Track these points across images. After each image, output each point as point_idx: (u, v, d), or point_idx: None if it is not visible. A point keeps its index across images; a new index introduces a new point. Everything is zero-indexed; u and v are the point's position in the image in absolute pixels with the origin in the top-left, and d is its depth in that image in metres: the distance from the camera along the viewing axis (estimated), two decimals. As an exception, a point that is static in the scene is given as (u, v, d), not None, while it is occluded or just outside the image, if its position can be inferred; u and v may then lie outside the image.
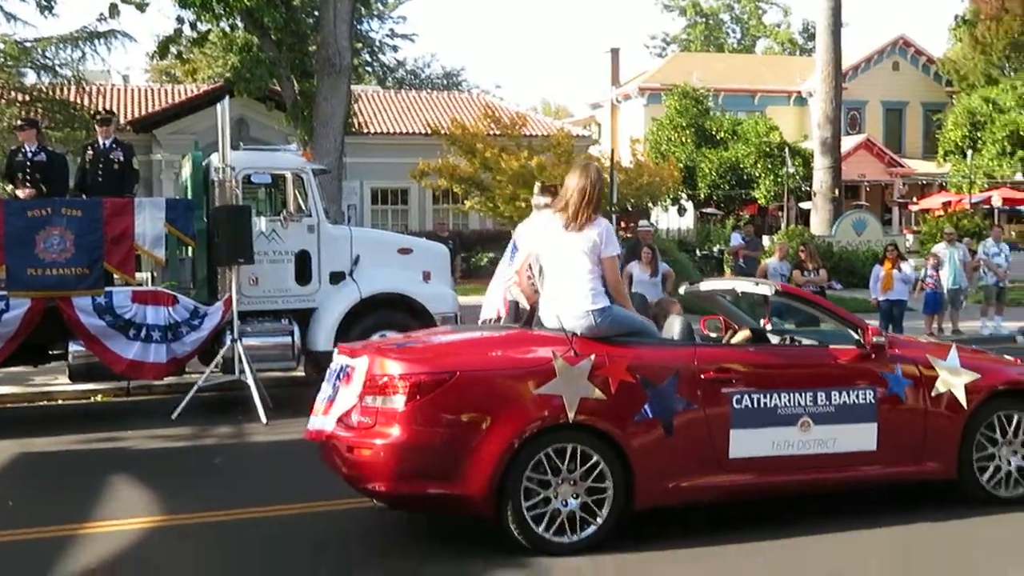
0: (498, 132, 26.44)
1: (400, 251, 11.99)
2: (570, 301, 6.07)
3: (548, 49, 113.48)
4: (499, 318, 8.26)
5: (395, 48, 55.36)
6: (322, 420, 6.20)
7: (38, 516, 6.95)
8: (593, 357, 5.88)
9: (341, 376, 6.16)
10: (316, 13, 22.22)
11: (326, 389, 6.34)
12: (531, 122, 31.14)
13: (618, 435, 5.87)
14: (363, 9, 40.43)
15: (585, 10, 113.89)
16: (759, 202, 38.90)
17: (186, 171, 11.86)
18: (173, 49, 22.62)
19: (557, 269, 6.20)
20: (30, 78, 27.34)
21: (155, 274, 11.30)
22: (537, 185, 8.91)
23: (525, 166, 24.34)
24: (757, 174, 38.16)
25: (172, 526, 6.73)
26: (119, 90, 33.93)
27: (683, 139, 39.82)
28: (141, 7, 20.32)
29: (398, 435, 5.68)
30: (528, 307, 6.96)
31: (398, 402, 5.71)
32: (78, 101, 26.46)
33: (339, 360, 6.34)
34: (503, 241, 32.52)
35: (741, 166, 38.29)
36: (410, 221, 32.94)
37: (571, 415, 5.77)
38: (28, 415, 11.27)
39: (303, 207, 11.27)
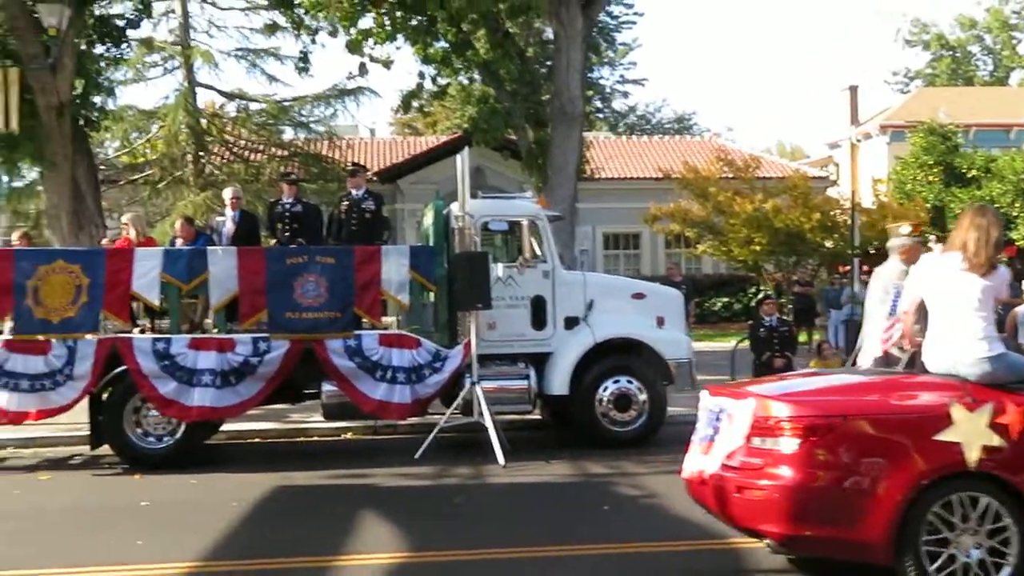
0: (731, 175, 26.07)
1: (634, 296, 11.99)
2: (962, 345, 5.93)
3: (782, 90, 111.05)
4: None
5: (625, 94, 55.79)
6: (702, 460, 6.27)
7: (293, 546, 7.36)
8: (992, 404, 5.71)
9: (720, 417, 6.22)
10: (549, 63, 22.81)
11: (703, 430, 6.42)
12: (765, 164, 30.52)
13: (1021, 485, 5.63)
14: (594, 57, 41.08)
15: (821, 49, 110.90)
16: (1017, 244, 36.25)
17: (428, 219, 12.39)
18: (415, 103, 23.81)
19: (947, 311, 6.08)
20: (288, 134, 29.49)
21: (400, 318, 11.81)
22: (903, 226, 8.66)
23: (759, 209, 23.84)
24: (1015, 214, 35.61)
25: (417, 563, 6.95)
26: (366, 143, 36.01)
27: (930, 178, 37.74)
28: (387, 65, 21.51)
29: (790, 477, 5.67)
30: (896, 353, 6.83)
31: (788, 444, 5.71)
32: (330, 155, 28.27)
33: (713, 401, 6.41)
34: (737, 285, 32.04)
35: (997, 205, 35.84)
36: (642, 265, 32.91)
37: (972, 463, 5.61)
38: (286, 450, 12.01)
39: (538, 253, 11.52)
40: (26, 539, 7.81)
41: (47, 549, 7.45)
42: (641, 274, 29.81)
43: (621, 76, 55.04)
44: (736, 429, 6.00)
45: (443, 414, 11.06)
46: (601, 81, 52.18)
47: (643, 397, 11.37)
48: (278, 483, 9.69)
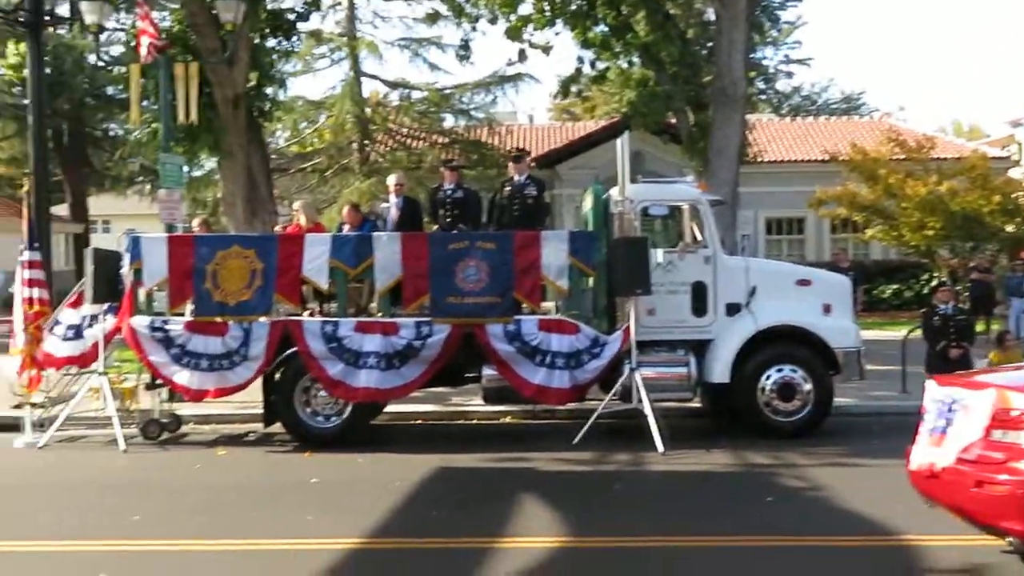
0: (903, 156, 24.95)
1: (798, 282, 11.64)
2: None
3: (958, 66, 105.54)
4: None
5: (790, 74, 54.02)
6: (933, 452, 6.12)
7: (456, 527, 7.50)
8: None
9: (954, 409, 6.07)
10: (710, 45, 22.34)
11: (933, 421, 6.26)
12: (940, 144, 29.04)
13: None
14: (757, 37, 40.02)
15: (1000, 20, 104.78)
16: None
17: (587, 204, 12.35)
18: (574, 88, 23.75)
19: None
20: (449, 122, 29.97)
21: (559, 304, 11.84)
22: None
23: (934, 192, 22.74)
24: None
25: (576, 548, 6.97)
26: (525, 129, 36.19)
27: (1123, 156, 35.20)
28: (546, 50, 21.53)
29: None
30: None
31: None
32: (490, 141, 28.56)
33: (943, 392, 6.26)
34: (908, 272, 30.58)
35: None
36: (806, 251, 31.92)
37: None
38: (447, 432, 12.25)
39: (699, 238, 11.33)
40: (204, 511, 8.24)
41: (223, 521, 7.83)
42: (806, 260, 28.93)
43: (785, 56, 53.34)
44: (973, 421, 5.77)
45: (601, 400, 11.03)
46: (764, 61, 50.65)
47: (808, 387, 11.03)
48: (439, 464, 9.88)
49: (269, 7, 17.61)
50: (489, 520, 7.68)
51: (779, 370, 11.07)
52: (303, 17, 18.64)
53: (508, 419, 12.72)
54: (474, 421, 12.77)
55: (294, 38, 19.32)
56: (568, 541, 7.10)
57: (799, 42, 68.40)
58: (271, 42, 18.33)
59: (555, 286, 11.25)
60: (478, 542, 7.05)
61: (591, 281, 11.52)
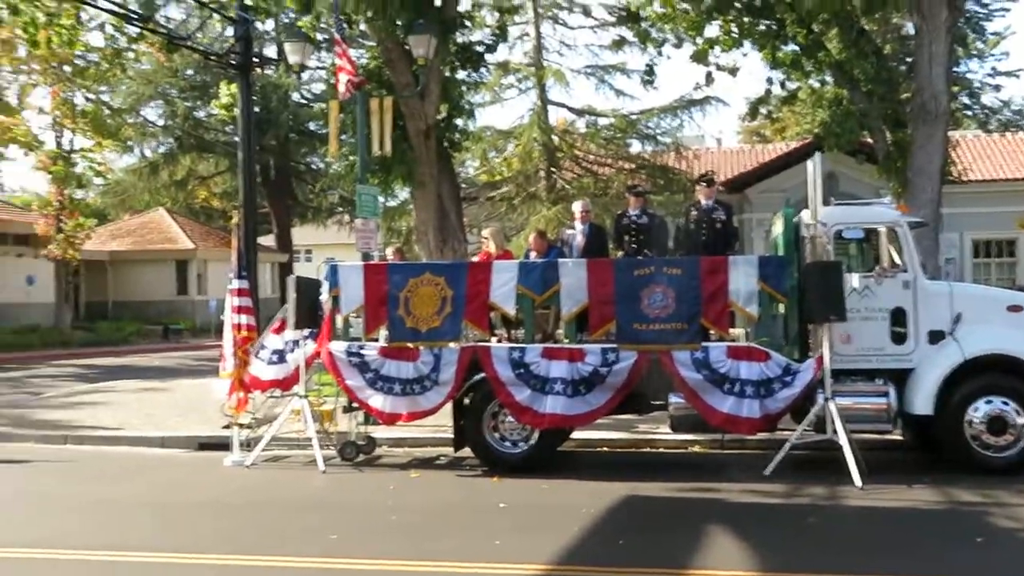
0: None
1: (1010, 308, 10.91)
2: None
3: None
4: None
5: (997, 87, 51.12)
6: None
7: (643, 556, 7.40)
8: None
9: None
10: (909, 60, 21.40)
11: None
12: None
13: None
14: (960, 50, 38.08)
15: None
16: None
17: (777, 228, 12.03)
18: (763, 109, 23.28)
19: None
20: (635, 147, 29.92)
21: (748, 331, 11.56)
22: None
23: None
24: None
25: (767, 583, 6.76)
26: (712, 153, 35.71)
27: None
28: (733, 72, 21.19)
29: None
30: None
31: None
32: (676, 166, 28.33)
33: None
34: None
35: None
36: (1018, 275, 29.99)
37: None
38: (634, 460, 12.15)
39: (898, 262, 10.84)
40: (398, 531, 8.47)
41: (416, 542, 8.02)
42: (1017, 284, 27.15)
43: (992, 68, 50.63)
44: None
45: (794, 430, 10.67)
46: (968, 75, 48.21)
47: (1021, 420, 10.32)
48: (626, 492, 9.80)
49: (459, 40, 18.12)
50: (677, 550, 7.56)
51: (988, 402, 10.40)
52: (491, 49, 19.09)
53: (696, 448, 12.50)
54: (661, 449, 12.62)
55: (483, 69, 19.80)
56: (758, 575, 6.89)
57: (1007, 53, 64.68)
58: (461, 74, 18.85)
59: (744, 312, 10.99)
60: (666, 572, 6.94)
61: (782, 307, 11.20)
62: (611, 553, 7.58)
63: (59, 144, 35.85)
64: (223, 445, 12.68)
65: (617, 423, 12.95)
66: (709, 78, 21.49)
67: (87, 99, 36.54)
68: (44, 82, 34.13)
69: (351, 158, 17.32)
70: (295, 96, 44.30)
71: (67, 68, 32.97)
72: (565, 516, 8.72)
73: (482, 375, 11.18)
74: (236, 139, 30.25)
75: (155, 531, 8.67)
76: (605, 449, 12.66)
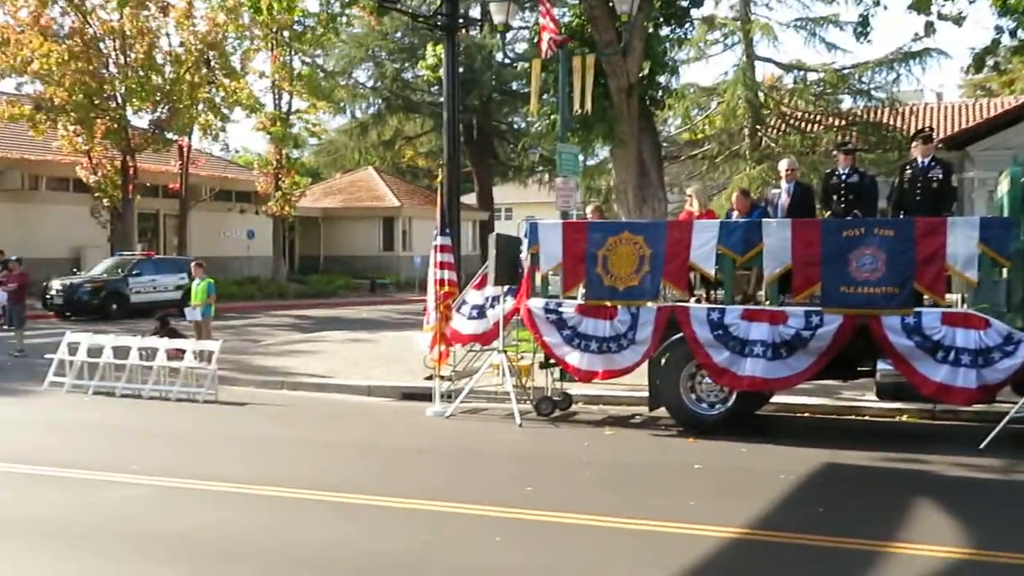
0: None
1: None
2: None
3: None
4: None
5: None
6: None
7: (843, 526, 7.16)
8: None
9: None
10: None
11: None
12: None
13: None
14: None
15: None
16: None
17: (1002, 188, 11.24)
18: (989, 61, 21.70)
19: None
20: (846, 103, 28.64)
21: (966, 296, 10.91)
22: None
23: None
24: None
25: (978, 561, 6.40)
26: (931, 108, 33.73)
27: None
28: (958, 21, 19.84)
29: None
30: None
31: None
32: (891, 123, 26.94)
33: None
34: None
35: None
36: None
37: None
38: (836, 427, 11.75)
39: None
40: (591, 487, 8.55)
41: (609, 498, 8.07)
42: None
43: None
44: None
45: (1014, 403, 10.02)
46: None
47: None
48: (827, 460, 9.51)
49: (663, -4, 17.81)
50: (879, 522, 7.27)
51: None
52: (697, 3, 18.67)
53: (904, 417, 11.94)
54: (866, 417, 12.14)
55: (687, 25, 19.39)
56: (968, 553, 6.54)
57: None
58: (664, 30, 18.53)
59: (962, 277, 10.36)
60: (866, 544, 6.69)
61: (1004, 272, 10.49)
62: (811, 521, 7.37)
63: (278, 106, 37.80)
64: (425, 395, 13.14)
65: (819, 388, 12.56)
66: (929, 28, 20.18)
67: (303, 63, 38.33)
68: (265, 47, 35.99)
69: (552, 117, 17.39)
70: (498, 56, 44.83)
71: (285, 33, 34.64)
72: (763, 481, 8.55)
73: (679, 335, 11.06)
74: (441, 99, 30.91)
75: (366, 474, 9.10)
76: (806, 415, 12.30)
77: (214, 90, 33.98)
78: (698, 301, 11.58)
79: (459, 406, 12.27)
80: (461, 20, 21.00)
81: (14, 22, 30.44)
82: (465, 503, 7.80)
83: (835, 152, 13.09)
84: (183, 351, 14.23)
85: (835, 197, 11.93)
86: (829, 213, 12.11)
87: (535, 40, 16.77)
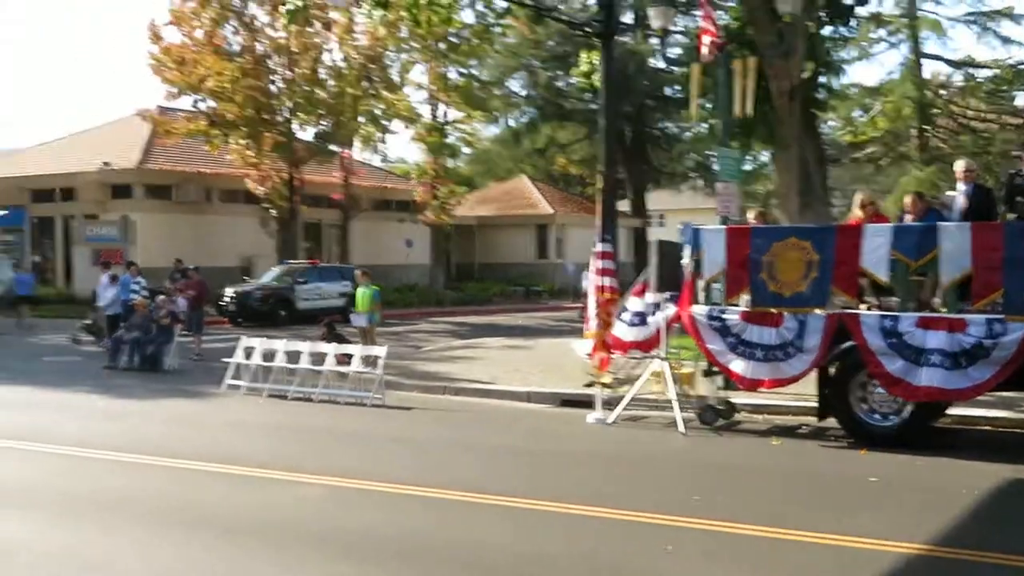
0: None
1: None
2: None
3: None
4: None
5: None
6: None
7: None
8: None
9: None
10: None
11: None
12: None
13: None
14: None
15: None
16: None
17: None
18: None
19: None
20: (1020, 100, 27.20)
21: None
22: None
23: None
24: None
25: None
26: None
27: None
28: None
29: None
30: None
31: None
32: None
33: None
34: None
35: None
36: None
37: None
38: (1019, 441, 11.15)
39: None
40: (760, 497, 8.37)
41: (779, 510, 7.88)
42: None
43: None
44: None
45: None
46: None
47: None
48: (1011, 475, 9.03)
49: (827, -6, 17.36)
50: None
51: None
52: (862, 1, 18.10)
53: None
54: (1052, 431, 11.48)
55: (851, 23, 18.83)
56: None
57: None
58: (827, 30, 18.05)
59: None
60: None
61: None
62: (999, 539, 7.02)
63: (434, 116, 38.61)
64: (584, 402, 13.15)
65: (1000, 400, 11.93)
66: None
67: (459, 74, 39.02)
68: (422, 59, 36.83)
69: (711, 121, 17.18)
70: (651, 62, 44.55)
71: (442, 45, 35.36)
72: (944, 495, 8.20)
73: (850, 343, 10.71)
74: (594, 107, 30.81)
75: (529, 479, 9.18)
76: (987, 427, 11.70)
77: (374, 102, 34.98)
78: (869, 308, 11.19)
79: (621, 413, 12.22)
80: (620, 25, 20.98)
81: (190, 42, 32.14)
82: (632, 510, 7.77)
83: (1015, 152, 12.44)
84: (351, 356, 14.69)
85: (1019, 199, 11.34)
86: (1014, 216, 11.51)
87: (693, 44, 16.60)
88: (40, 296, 30.15)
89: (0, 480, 9.10)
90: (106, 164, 34.76)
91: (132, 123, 36.78)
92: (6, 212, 36.41)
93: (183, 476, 9.23)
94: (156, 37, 32.15)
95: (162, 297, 19.91)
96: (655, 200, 56.59)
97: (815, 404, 11.33)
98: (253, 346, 15.32)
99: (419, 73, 38.30)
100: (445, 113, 39.04)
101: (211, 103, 32.77)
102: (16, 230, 36.84)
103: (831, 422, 11.20)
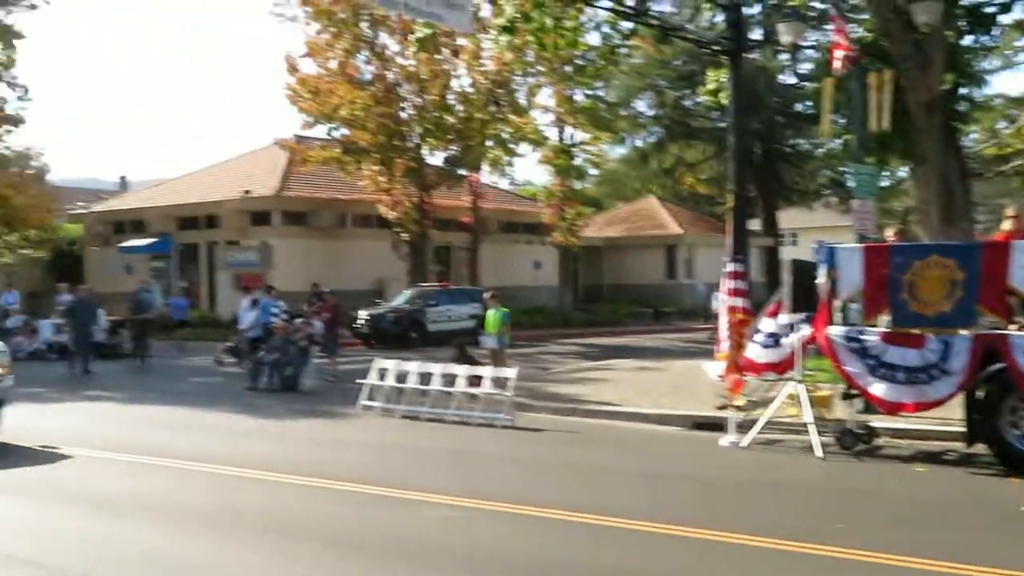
0: None
1: None
2: None
3: None
4: None
5: None
6: None
7: None
8: None
9: None
10: None
11: None
12: None
13: None
14: None
15: None
16: None
17: None
18: None
19: None
20: None
21: None
22: None
23: None
24: None
25: None
26: None
27: None
28: None
29: None
30: None
31: None
32: None
33: None
34: None
35: None
36: None
37: None
38: None
39: None
40: (905, 525, 8.06)
41: (924, 538, 7.58)
42: None
43: None
44: None
45: None
46: None
47: None
48: None
49: (966, 3, 16.73)
50: None
51: None
52: (1006, 8, 17.39)
53: None
54: None
55: (994, 32, 18.11)
56: None
57: None
58: (968, 39, 17.40)
59: None
60: None
61: None
62: None
63: (561, 139, 38.78)
64: (716, 425, 12.92)
65: None
66: None
67: (585, 95, 39.11)
68: (548, 82, 37.08)
69: (844, 137, 16.75)
70: (780, 78, 43.77)
71: (568, 68, 35.52)
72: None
73: (999, 365, 10.23)
74: (722, 125, 30.42)
75: (664, 503, 9.07)
76: None
77: (502, 126, 35.37)
78: (1020, 328, 10.67)
79: (755, 436, 11.96)
80: (749, 43, 20.69)
81: (325, 73, 33.19)
82: (771, 537, 7.58)
83: None
84: (481, 378, 14.83)
85: None
86: None
87: (824, 59, 16.24)
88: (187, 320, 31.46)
89: (151, 495, 9.51)
90: (247, 192, 36.14)
91: (270, 152, 38.21)
92: (156, 239, 38.25)
93: (320, 495, 9.46)
94: (293, 69, 33.34)
95: (300, 320, 20.52)
96: (787, 218, 55.39)
97: (962, 429, 10.86)
98: (386, 367, 15.63)
99: (545, 96, 38.56)
100: (572, 135, 39.19)
101: (344, 131, 33.73)
102: (164, 257, 38.65)
103: (980, 448, 10.71)
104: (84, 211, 43.44)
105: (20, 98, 37.94)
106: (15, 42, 37.61)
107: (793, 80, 44.10)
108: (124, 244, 38.91)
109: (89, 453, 11.69)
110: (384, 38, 33.85)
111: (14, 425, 12.50)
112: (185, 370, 23.06)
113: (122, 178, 68.91)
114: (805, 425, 11.52)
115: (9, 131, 37.32)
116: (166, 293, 32.40)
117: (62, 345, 25.92)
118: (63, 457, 11.41)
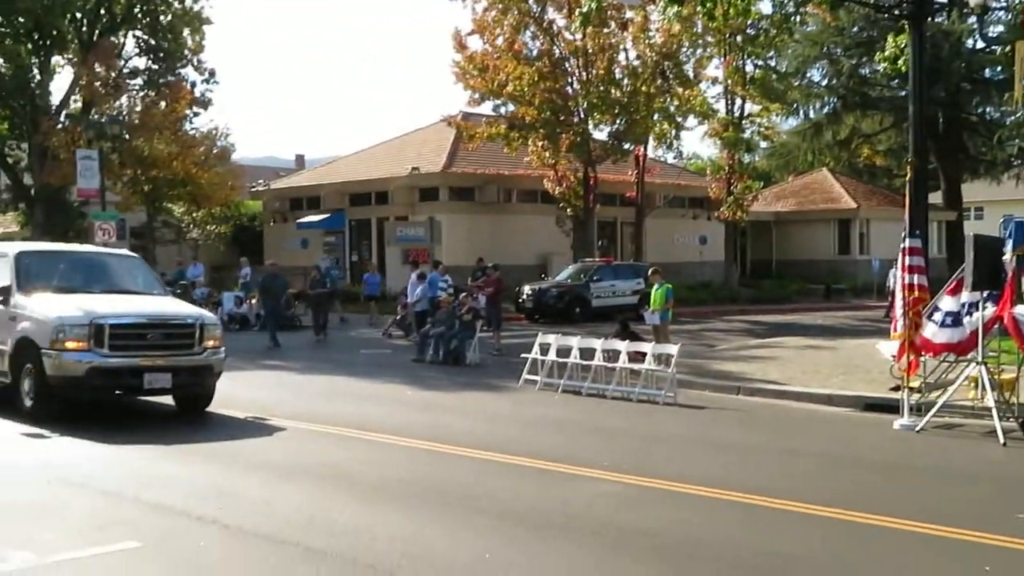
0: None
1: None
2: None
3: None
4: None
5: None
6: None
7: None
8: None
9: None
10: None
11: None
12: None
13: None
14: None
15: None
16: None
17: None
18: None
19: None
20: None
21: None
22: None
23: None
24: None
25: None
26: None
27: None
28: None
29: None
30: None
31: None
32: None
33: None
34: None
35: None
36: None
37: None
38: None
39: None
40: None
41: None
42: None
43: None
44: None
45: None
46: None
47: None
48: None
49: None
50: None
51: None
52: None
53: None
54: None
55: None
56: None
57: None
58: None
59: None
60: None
61: None
62: None
63: (730, 111, 37.89)
64: (889, 407, 12.44)
65: None
66: None
67: (756, 66, 38.06)
68: (717, 53, 36.26)
69: (1037, 104, 15.66)
70: (968, 42, 41.38)
71: (738, 38, 34.63)
72: None
73: None
74: (902, 93, 28.97)
75: (831, 487, 8.78)
76: None
77: (669, 99, 34.84)
78: None
79: (931, 420, 11.43)
80: (933, 5, 19.60)
81: (492, 49, 33.48)
82: (947, 526, 7.23)
83: None
84: (644, 354, 14.71)
85: None
86: None
87: (1017, 20, 15.21)
88: (356, 292, 32.41)
89: (328, 464, 9.81)
90: (415, 169, 36.93)
91: (437, 129, 38.86)
92: (330, 215, 39.62)
93: (485, 467, 9.57)
94: (460, 46, 33.77)
95: (465, 294, 20.88)
96: (971, 191, 52.46)
97: None
98: (549, 342, 15.71)
99: (714, 67, 37.73)
100: (742, 107, 38.24)
101: (510, 107, 33.95)
102: (337, 232, 40.01)
103: None
104: (264, 188, 45.39)
105: (206, 81, 39.97)
106: (204, 28, 39.63)
107: (981, 44, 41.57)
108: (300, 220, 40.48)
109: (295, 424, 11.76)
110: (551, 13, 33.85)
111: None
112: (357, 342, 23.82)
113: (299, 156, 71.61)
114: (986, 409, 10.93)
115: (197, 113, 39.30)
116: (349, 269, 33.01)
117: (242, 316, 27.24)
118: (278, 429, 11.51)
